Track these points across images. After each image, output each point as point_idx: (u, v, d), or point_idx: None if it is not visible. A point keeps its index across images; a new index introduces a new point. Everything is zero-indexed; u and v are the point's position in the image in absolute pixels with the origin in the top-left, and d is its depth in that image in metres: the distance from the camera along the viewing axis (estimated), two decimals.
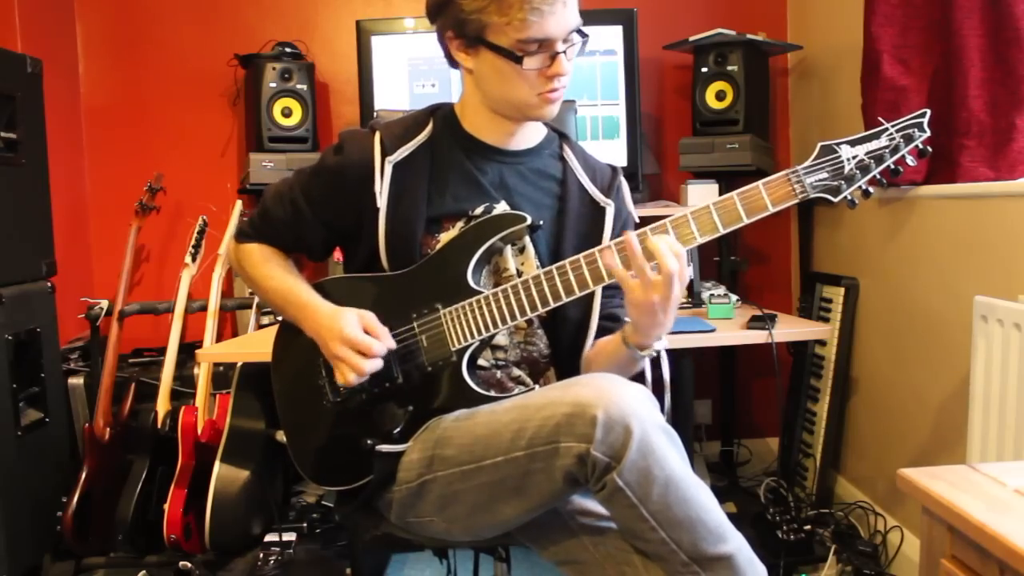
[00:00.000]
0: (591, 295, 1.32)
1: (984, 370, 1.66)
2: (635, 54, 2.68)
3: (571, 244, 1.34)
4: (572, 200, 1.38)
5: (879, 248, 2.34)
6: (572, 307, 1.31)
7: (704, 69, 2.68)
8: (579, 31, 1.26)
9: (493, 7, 1.21)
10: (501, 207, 1.34)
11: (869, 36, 2.11)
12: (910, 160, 1.20)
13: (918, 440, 2.15)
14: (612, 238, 1.35)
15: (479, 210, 1.33)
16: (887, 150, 1.19)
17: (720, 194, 2.63)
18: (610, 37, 2.68)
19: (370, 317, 1.26)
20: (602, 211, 1.38)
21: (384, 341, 1.25)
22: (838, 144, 1.19)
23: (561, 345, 1.39)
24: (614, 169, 1.45)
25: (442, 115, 1.39)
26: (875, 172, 1.19)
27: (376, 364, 1.24)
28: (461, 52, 1.29)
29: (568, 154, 1.43)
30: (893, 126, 1.19)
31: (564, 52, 1.24)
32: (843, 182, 1.19)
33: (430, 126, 1.37)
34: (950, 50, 1.91)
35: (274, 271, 1.40)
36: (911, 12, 2.05)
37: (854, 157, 1.19)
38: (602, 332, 1.37)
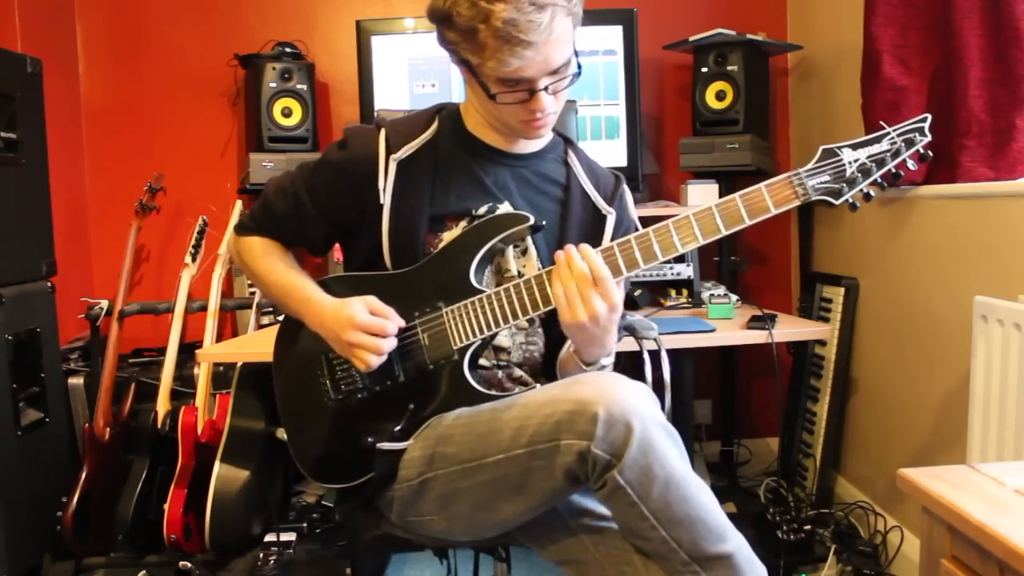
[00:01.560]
0: None
1: (984, 370, 1.66)
2: (635, 54, 2.68)
3: None
4: (575, 205, 1.38)
5: (879, 248, 2.34)
6: None
7: (704, 69, 2.68)
8: (577, 58, 1.24)
9: (467, 46, 1.20)
10: (504, 207, 1.34)
11: (869, 36, 2.11)
12: (911, 164, 1.20)
13: (918, 440, 2.15)
14: None
15: (482, 209, 1.34)
16: (888, 154, 1.19)
17: (720, 194, 2.65)
18: (610, 37, 2.68)
19: (375, 301, 1.26)
20: (603, 219, 1.39)
21: (394, 320, 1.25)
22: (840, 147, 1.20)
23: (552, 346, 1.39)
24: (618, 177, 1.46)
25: (447, 115, 1.39)
26: (876, 176, 1.20)
27: (392, 343, 1.24)
28: (456, 64, 1.29)
29: (572, 159, 1.43)
30: (895, 130, 1.20)
31: (546, 88, 1.22)
32: (845, 185, 1.20)
33: (435, 125, 1.37)
34: (950, 50, 1.91)
35: (275, 265, 1.40)
36: (911, 12, 2.05)
37: (856, 160, 1.19)
38: None
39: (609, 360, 1.28)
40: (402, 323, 1.27)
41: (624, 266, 1.21)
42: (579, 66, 1.25)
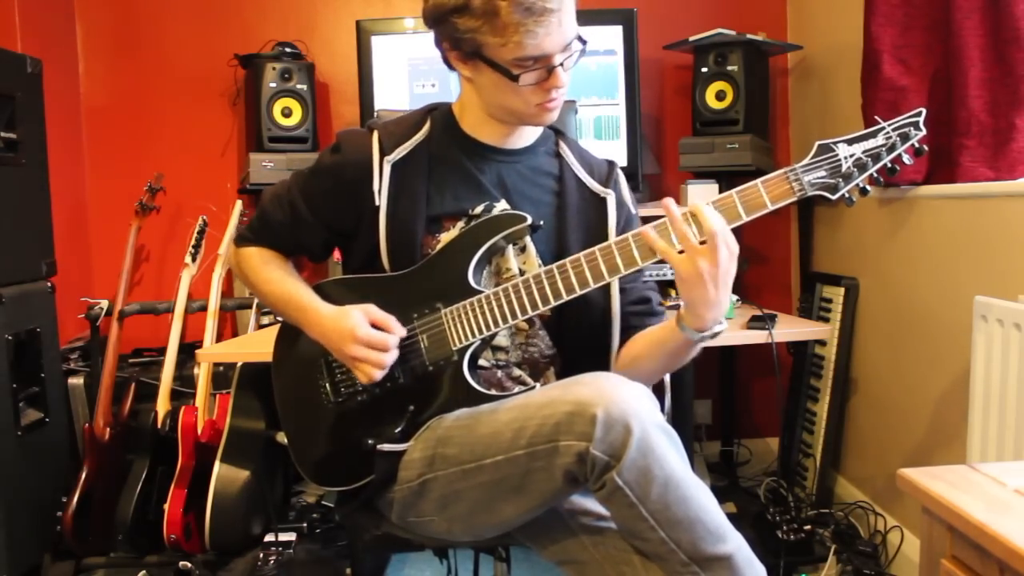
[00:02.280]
0: (607, 290, 1.32)
1: (984, 370, 1.66)
2: (635, 54, 2.68)
3: (575, 239, 1.34)
4: (571, 195, 1.38)
5: (879, 248, 2.34)
6: (589, 304, 1.31)
7: (704, 69, 2.68)
8: (579, 37, 1.25)
9: (487, 28, 1.20)
10: (501, 206, 1.34)
11: (869, 36, 2.11)
12: (907, 159, 1.21)
13: (918, 440, 2.15)
14: (617, 228, 1.36)
15: (479, 209, 1.33)
16: (884, 148, 1.19)
17: (720, 194, 2.64)
18: (610, 37, 2.68)
19: (375, 310, 1.26)
20: (603, 202, 1.38)
21: (396, 331, 1.25)
22: (835, 143, 1.20)
23: (572, 344, 1.37)
24: (610, 163, 1.45)
25: (439, 115, 1.39)
26: (872, 170, 1.20)
27: (394, 355, 1.25)
28: (459, 62, 1.29)
29: (564, 150, 1.43)
30: (890, 125, 1.20)
31: (561, 64, 1.24)
32: (841, 180, 1.20)
33: (427, 125, 1.37)
34: (950, 50, 1.91)
35: (273, 274, 1.40)
36: (911, 12, 2.05)
37: (851, 155, 1.19)
38: (634, 318, 1.36)
39: (723, 327, 1.22)
40: (403, 333, 1.26)
41: (622, 265, 1.20)
42: (583, 40, 1.25)
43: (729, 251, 1.14)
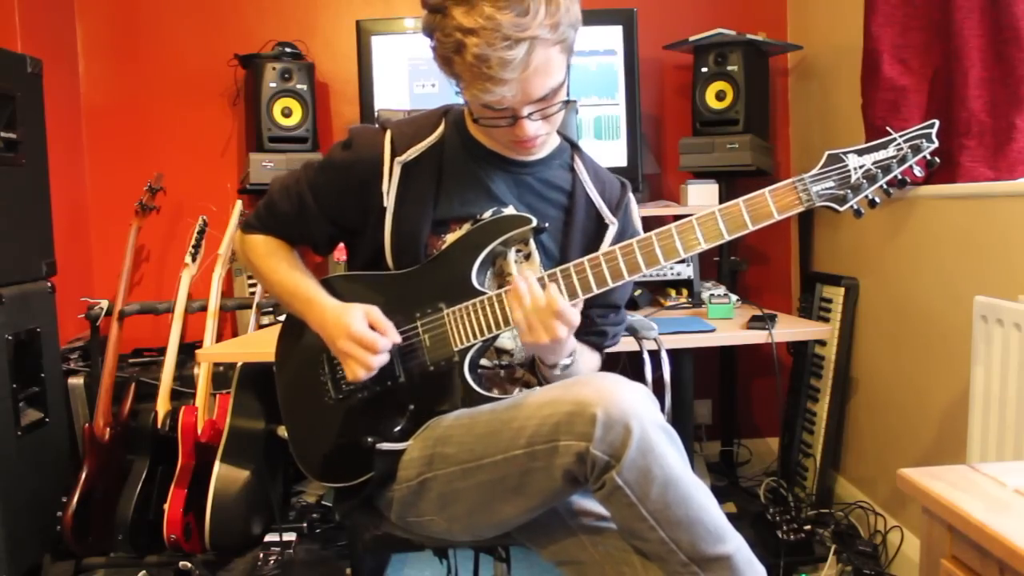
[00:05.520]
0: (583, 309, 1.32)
1: (984, 370, 1.66)
2: (635, 54, 2.68)
3: (576, 255, 1.33)
4: (579, 212, 1.37)
5: (879, 248, 2.34)
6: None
7: (704, 69, 2.68)
8: (565, 88, 1.21)
9: (447, 71, 1.19)
10: (509, 212, 1.33)
11: (869, 36, 2.11)
12: (917, 171, 1.19)
13: (918, 440, 2.15)
14: None
15: (486, 214, 1.33)
16: (895, 160, 1.18)
17: (720, 194, 2.65)
18: (610, 37, 2.68)
19: (376, 312, 1.26)
20: (604, 228, 1.38)
21: (390, 336, 1.25)
22: (845, 153, 1.19)
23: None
24: (624, 184, 1.44)
25: (453, 118, 1.37)
26: (882, 182, 1.19)
27: (382, 359, 1.23)
28: None
29: (578, 165, 1.41)
30: (901, 136, 1.18)
31: (529, 116, 1.20)
32: (849, 191, 1.19)
33: (441, 128, 1.35)
34: (950, 50, 1.91)
35: (279, 264, 1.39)
36: (911, 12, 2.05)
37: (861, 167, 1.18)
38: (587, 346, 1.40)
39: (571, 359, 1.29)
40: (398, 339, 1.26)
41: (626, 271, 1.21)
42: (568, 94, 1.22)
43: (568, 326, 1.19)
